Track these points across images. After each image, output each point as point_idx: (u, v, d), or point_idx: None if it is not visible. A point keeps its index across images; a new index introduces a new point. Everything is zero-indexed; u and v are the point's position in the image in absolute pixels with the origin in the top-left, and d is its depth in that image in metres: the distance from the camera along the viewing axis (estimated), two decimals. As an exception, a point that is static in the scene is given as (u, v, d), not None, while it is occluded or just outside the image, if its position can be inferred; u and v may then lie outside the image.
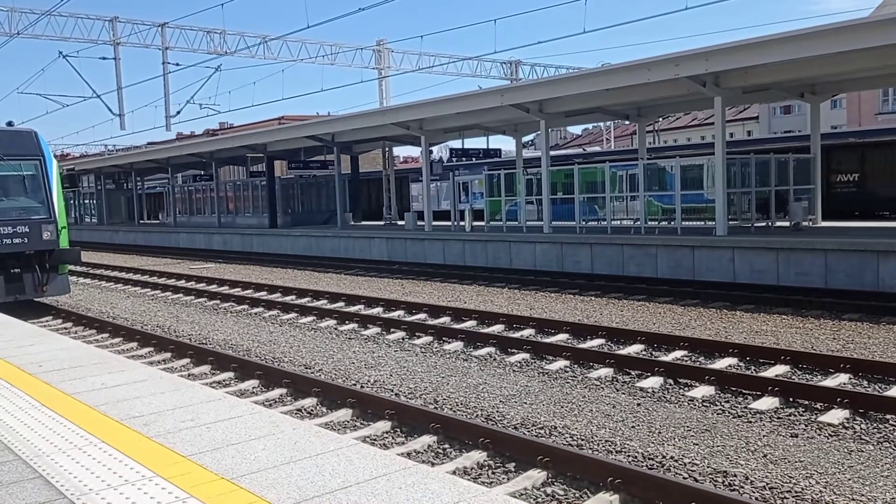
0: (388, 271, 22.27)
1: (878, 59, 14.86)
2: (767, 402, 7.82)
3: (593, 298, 15.57)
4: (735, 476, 5.93)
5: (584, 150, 47.99)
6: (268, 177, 34.00)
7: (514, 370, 9.80)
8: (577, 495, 5.70)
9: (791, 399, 7.91)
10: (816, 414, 7.47)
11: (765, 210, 19.07)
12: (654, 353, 10.38)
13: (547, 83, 21.72)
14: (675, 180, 18.14)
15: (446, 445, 6.89)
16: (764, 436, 6.91)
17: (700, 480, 5.87)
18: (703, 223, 18.24)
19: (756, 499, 5.52)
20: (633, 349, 10.51)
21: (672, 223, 18.34)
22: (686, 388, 8.55)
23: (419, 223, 26.22)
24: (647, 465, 6.21)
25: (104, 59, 32.93)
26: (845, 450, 6.51)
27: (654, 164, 19.86)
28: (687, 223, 18.17)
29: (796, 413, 7.56)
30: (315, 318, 14.42)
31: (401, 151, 60.45)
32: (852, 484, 5.76)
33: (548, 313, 13.74)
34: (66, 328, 14.61)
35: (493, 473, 6.22)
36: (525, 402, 8.23)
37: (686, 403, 8.01)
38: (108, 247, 41.72)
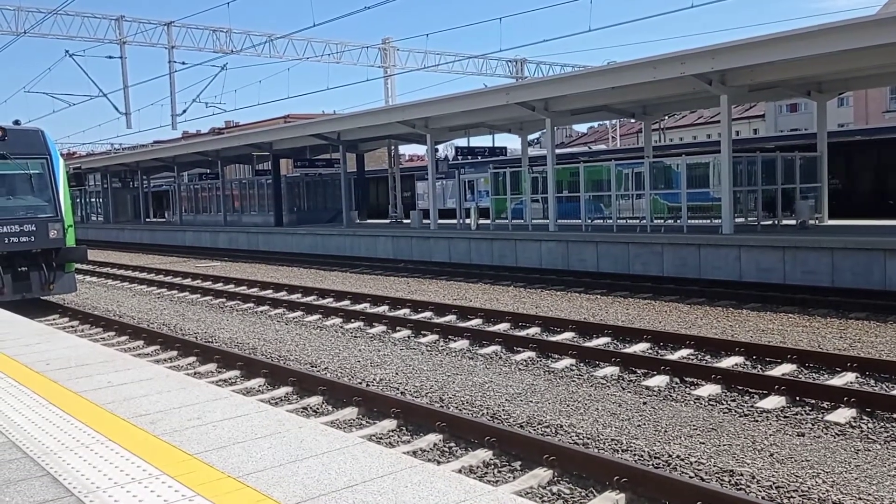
0: (393, 269, 22.28)
1: (885, 57, 14.80)
2: (774, 401, 7.80)
3: (599, 297, 15.55)
4: (741, 475, 5.92)
5: (590, 148, 47.87)
6: (273, 175, 34.04)
7: (519, 369, 9.79)
8: (583, 494, 5.70)
9: (797, 398, 7.89)
10: (823, 413, 7.45)
11: (771, 208, 19.02)
12: (660, 351, 10.36)
13: (552, 81, 21.69)
14: (681, 178, 18.11)
15: (452, 444, 6.89)
16: (770, 435, 6.89)
17: (706, 479, 5.86)
18: (708, 221, 18.20)
19: (763, 498, 5.50)
20: (639, 348, 10.49)
21: (678, 221, 18.31)
22: (692, 387, 8.53)
23: (425, 221, 26.21)
24: (653, 464, 6.20)
25: (110, 57, 32.94)
26: (852, 449, 6.49)
27: (660, 163, 19.82)
28: (693, 221, 18.14)
29: (803, 412, 7.54)
30: (321, 316, 14.43)
31: (406, 150, 60.58)
32: (859, 483, 5.74)
33: (553, 312, 13.73)
34: (72, 326, 14.66)
35: (499, 472, 6.22)
36: (531, 401, 8.23)
37: (692, 402, 8.00)
38: (115, 245, 41.84)
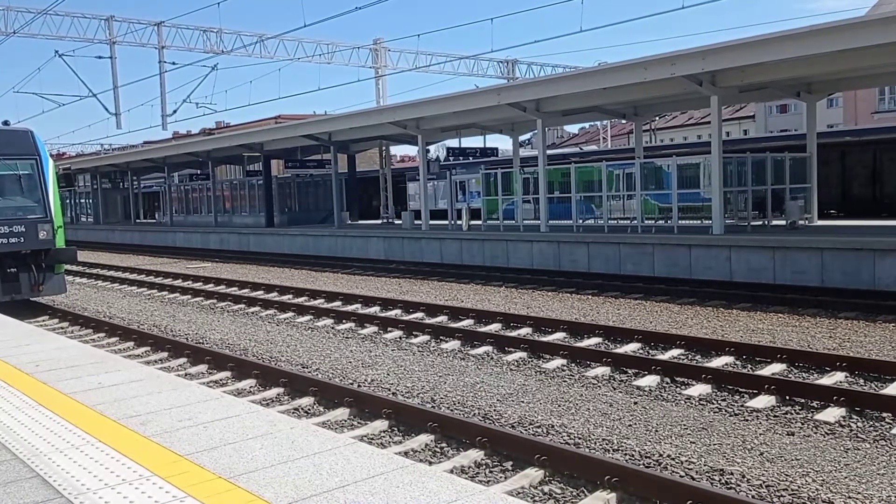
0: (385, 270, 22.26)
1: (874, 58, 14.89)
2: (764, 401, 7.83)
3: (590, 297, 15.58)
4: (732, 474, 5.94)
5: (581, 148, 48.00)
6: (264, 176, 33.97)
7: (511, 369, 9.80)
8: (574, 494, 5.71)
9: (787, 397, 7.93)
10: (813, 412, 7.48)
11: (761, 209, 19.10)
12: (650, 351, 10.39)
13: (543, 82, 21.73)
14: (672, 179, 18.17)
15: (444, 444, 6.89)
16: (760, 434, 6.92)
17: (697, 478, 5.88)
18: (699, 222, 18.26)
19: (753, 497, 5.53)
20: (630, 348, 10.52)
21: (669, 222, 18.38)
22: (683, 387, 8.56)
23: (416, 222, 26.20)
24: (644, 464, 6.22)
25: (100, 58, 32.84)
26: (841, 448, 6.53)
27: (651, 163, 19.87)
28: (683, 222, 18.20)
29: (793, 411, 7.58)
30: (312, 317, 14.41)
31: (398, 150, 60.46)
32: (848, 482, 5.77)
33: (545, 312, 13.75)
34: (62, 328, 14.58)
35: (491, 472, 6.22)
36: (522, 401, 8.24)
37: (683, 402, 8.03)
38: (105, 246, 41.64)
